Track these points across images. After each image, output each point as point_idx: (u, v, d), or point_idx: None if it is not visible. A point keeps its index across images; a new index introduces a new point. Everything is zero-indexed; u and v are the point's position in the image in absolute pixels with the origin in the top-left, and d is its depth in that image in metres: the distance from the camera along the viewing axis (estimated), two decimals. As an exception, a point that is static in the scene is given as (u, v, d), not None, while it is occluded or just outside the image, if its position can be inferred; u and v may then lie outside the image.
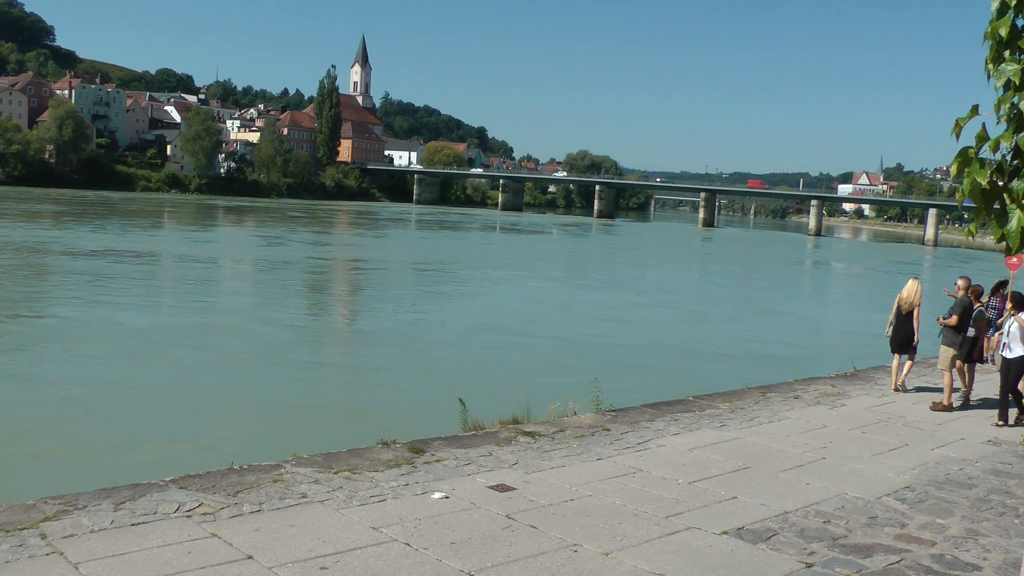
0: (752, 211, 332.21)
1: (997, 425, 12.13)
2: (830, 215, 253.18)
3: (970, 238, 4.47)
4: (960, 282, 13.78)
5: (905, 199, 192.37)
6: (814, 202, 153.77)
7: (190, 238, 60.17)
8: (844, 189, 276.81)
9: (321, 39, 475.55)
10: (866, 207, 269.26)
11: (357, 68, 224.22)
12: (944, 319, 13.25)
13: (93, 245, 47.23)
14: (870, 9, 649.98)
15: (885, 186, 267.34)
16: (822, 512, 7.90)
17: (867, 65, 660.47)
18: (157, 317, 26.85)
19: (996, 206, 4.06)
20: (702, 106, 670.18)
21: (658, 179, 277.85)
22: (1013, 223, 3.94)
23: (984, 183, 3.95)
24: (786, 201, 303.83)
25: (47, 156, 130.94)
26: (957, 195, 4.19)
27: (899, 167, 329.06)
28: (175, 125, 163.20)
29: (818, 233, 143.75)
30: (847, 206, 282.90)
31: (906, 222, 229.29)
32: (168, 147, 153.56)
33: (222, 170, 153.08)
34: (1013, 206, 3.96)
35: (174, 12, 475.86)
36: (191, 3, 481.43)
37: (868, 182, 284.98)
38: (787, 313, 37.96)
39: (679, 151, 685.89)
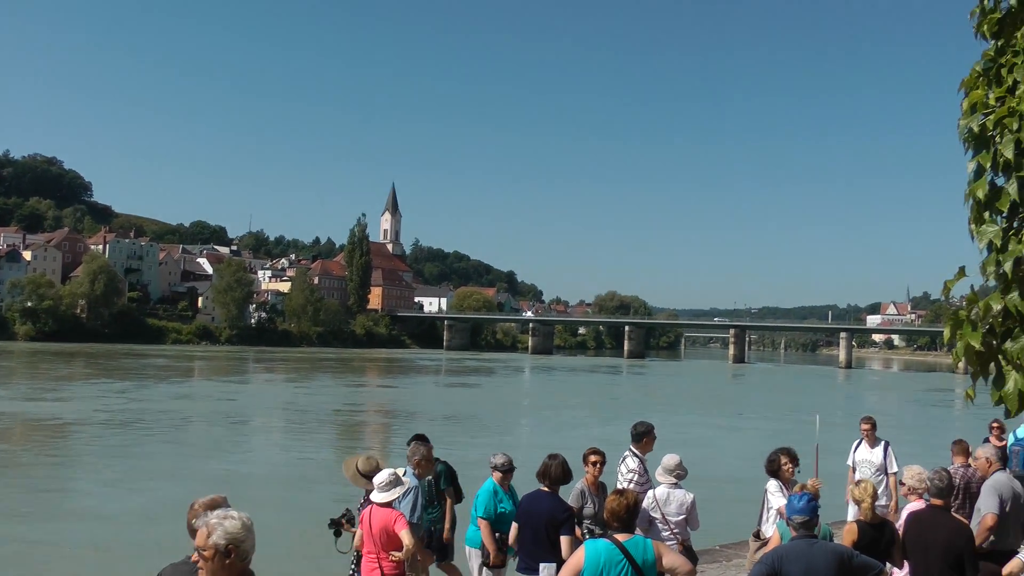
0: (783, 345, 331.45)
1: None
2: (860, 346, 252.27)
3: (969, 401, 4.32)
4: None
5: (934, 328, 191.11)
6: (843, 334, 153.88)
7: (218, 391, 60.43)
8: (873, 320, 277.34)
9: (352, 188, 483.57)
10: (895, 337, 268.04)
11: (387, 216, 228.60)
12: None
13: (113, 405, 47.46)
14: (884, 141, 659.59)
15: (913, 315, 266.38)
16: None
17: (888, 196, 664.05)
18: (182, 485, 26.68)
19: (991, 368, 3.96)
20: (728, 243, 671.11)
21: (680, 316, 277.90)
22: (1010, 385, 3.87)
23: (978, 345, 3.91)
24: (816, 334, 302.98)
25: (79, 311, 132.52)
26: (952, 356, 4.15)
27: (926, 295, 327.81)
28: (207, 277, 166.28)
29: (849, 365, 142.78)
30: (877, 337, 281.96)
31: (936, 350, 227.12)
32: (199, 299, 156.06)
33: (252, 321, 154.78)
34: (1009, 368, 3.90)
35: (209, 166, 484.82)
36: (226, 158, 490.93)
37: (896, 312, 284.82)
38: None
39: (707, 288, 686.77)
